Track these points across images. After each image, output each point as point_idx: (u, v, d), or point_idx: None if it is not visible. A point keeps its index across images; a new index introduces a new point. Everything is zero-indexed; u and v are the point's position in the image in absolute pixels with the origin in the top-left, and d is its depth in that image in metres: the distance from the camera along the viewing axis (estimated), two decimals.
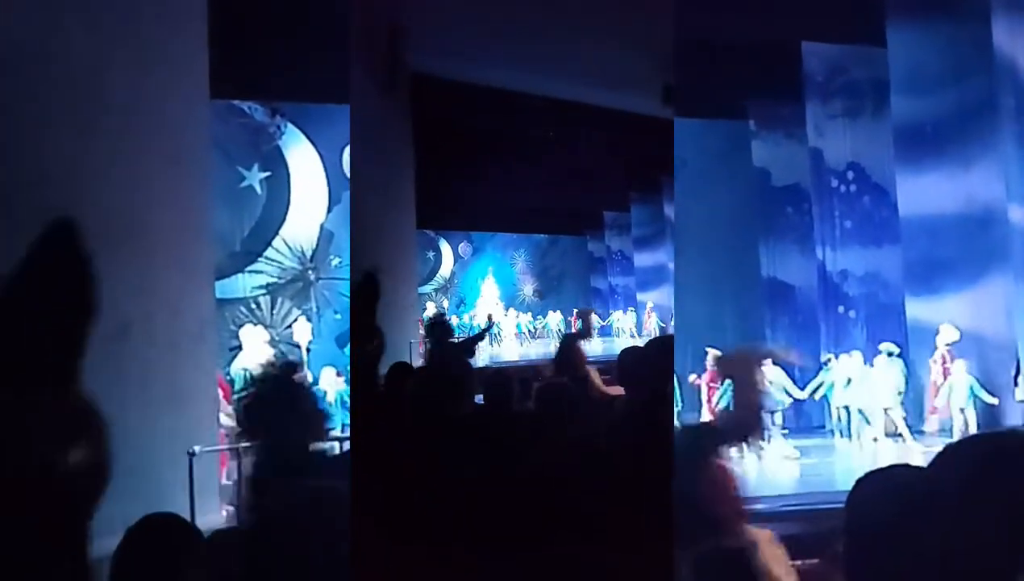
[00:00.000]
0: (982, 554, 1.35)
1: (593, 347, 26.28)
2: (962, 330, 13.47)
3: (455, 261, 33.57)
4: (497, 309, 32.18)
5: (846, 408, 13.53)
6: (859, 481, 1.63)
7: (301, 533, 1.75)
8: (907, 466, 1.63)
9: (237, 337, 12.87)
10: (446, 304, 32.22)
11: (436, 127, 17.16)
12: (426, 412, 3.77)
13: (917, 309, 14.20)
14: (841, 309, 15.51)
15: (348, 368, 15.00)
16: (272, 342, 10.90)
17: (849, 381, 13.34)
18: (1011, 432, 1.55)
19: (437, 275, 33.04)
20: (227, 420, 9.25)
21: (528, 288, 34.05)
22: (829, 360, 14.10)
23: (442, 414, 3.66)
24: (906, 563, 1.44)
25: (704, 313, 16.35)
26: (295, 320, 15.15)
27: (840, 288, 15.53)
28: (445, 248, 33.29)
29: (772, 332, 16.45)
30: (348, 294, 15.75)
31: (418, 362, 12.73)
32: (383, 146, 13.25)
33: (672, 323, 25.50)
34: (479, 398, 4.48)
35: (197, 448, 6.62)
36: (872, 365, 13.48)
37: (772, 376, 12.56)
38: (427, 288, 31.43)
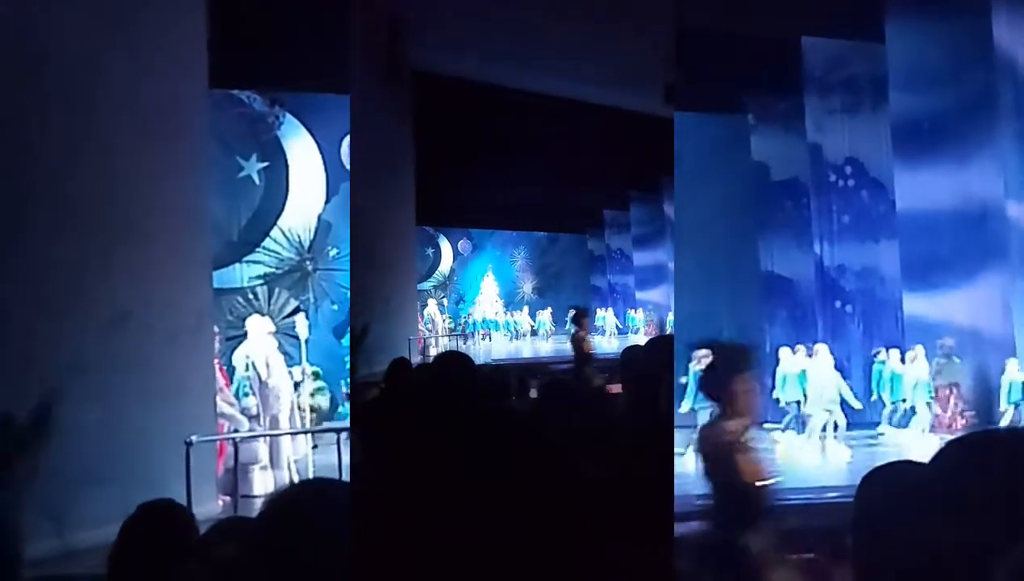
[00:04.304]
0: (980, 550, 1.35)
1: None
2: (960, 326, 13.49)
3: (454, 258, 33.51)
4: (497, 306, 32.22)
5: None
6: (866, 477, 1.63)
7: (302, 525, 1.75)
8: (911, 462, 1.64)
9: (235, 327, 12.86)
10: (445, 302, 32.23)
11: (436, 123, 17.13)
12: (428, 408, 3.77)
13: (914, 305, 14.19)
14: (838, 304, 15.50)
15: (345, 358, 15.03)
16: (276, 334, 10.91)
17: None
18: (1013, 429, 1.56)
19: (436, 272, 32.99)
20: (226, 409, 9.28)
21: (528, 286, 34.02)
22: (878, 353, 13.84)
23: (443, 411, 3.66)
24: (909, 558, 1.44)
25: (701, 307, 16.32)
26: (292, 311, 15.14)
27: (837, 283, 15.52)
28: (444, 245, 33.23)
29: (769, 326, 16.45)
30: (346, 285, 15.78)
31: (416, 358, 12.73)
32: (383, 142, 13.24)
33: (670, 319, 25.60)
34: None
35: (194, 437, 6.62)
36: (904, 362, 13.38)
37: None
38: (426, 285, 31.39)
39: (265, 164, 15.77)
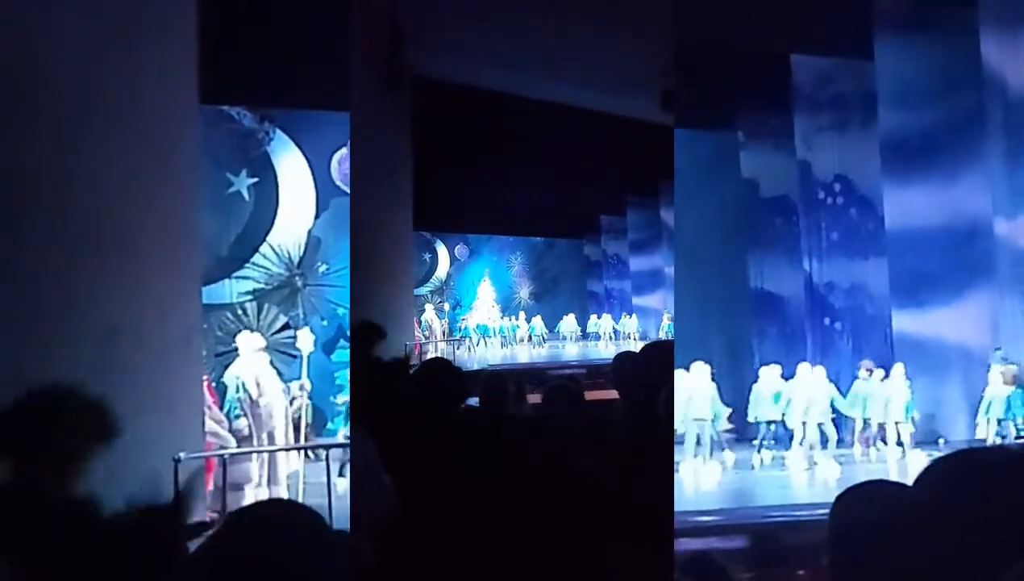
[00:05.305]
0: (963, 569, 1.35)
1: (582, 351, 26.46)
2: (948, 343, 13.55)
3: (451, 263, 33.62)
4: (493, 312, 32.28)
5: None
6: (840, 496, 1.63)
7: (258, 545, 1.76)
8: (887, 481, 1.64)
9: (224, 343, 12.82)
10: (446, 307, 32.24)
11: (435, 129, 17.17)
12: (423, 413, 3.78)
13: (903, 322, 14.23)
14: (827, 321, 15.54)
15: (334, 374, 15.01)
16: (267, 349, 10.86)
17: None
18: (995, 448, 1.56)
19: (433, 277, 33.06)
20: (213, 426, 9.23)
21: (524, 291, 34.12)
22: (871, 371, 13.71)
23: (439, 415, 3.68)
24: (896, 577, 1.44)
25: (692, 322, 16.34)
26: (282, 327, 15.11)
27: (826, 300, 15.56)
28: (441, 250, 33.33)
29: (759, 342, 16.46)
30: (335, 301, 15.76)
31: (413, 363, 12.66)
32: (382, 147, 13.22)
33: (664, 325, 25.72)
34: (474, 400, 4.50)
35: (182, 454, 6.58)
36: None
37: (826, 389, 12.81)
38: (423, 290, 31.46)
39: (255, 180, 15.75)
